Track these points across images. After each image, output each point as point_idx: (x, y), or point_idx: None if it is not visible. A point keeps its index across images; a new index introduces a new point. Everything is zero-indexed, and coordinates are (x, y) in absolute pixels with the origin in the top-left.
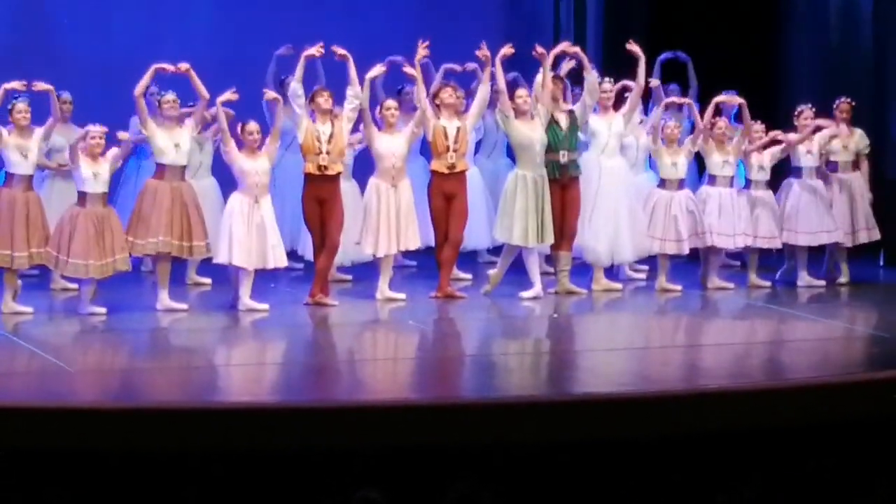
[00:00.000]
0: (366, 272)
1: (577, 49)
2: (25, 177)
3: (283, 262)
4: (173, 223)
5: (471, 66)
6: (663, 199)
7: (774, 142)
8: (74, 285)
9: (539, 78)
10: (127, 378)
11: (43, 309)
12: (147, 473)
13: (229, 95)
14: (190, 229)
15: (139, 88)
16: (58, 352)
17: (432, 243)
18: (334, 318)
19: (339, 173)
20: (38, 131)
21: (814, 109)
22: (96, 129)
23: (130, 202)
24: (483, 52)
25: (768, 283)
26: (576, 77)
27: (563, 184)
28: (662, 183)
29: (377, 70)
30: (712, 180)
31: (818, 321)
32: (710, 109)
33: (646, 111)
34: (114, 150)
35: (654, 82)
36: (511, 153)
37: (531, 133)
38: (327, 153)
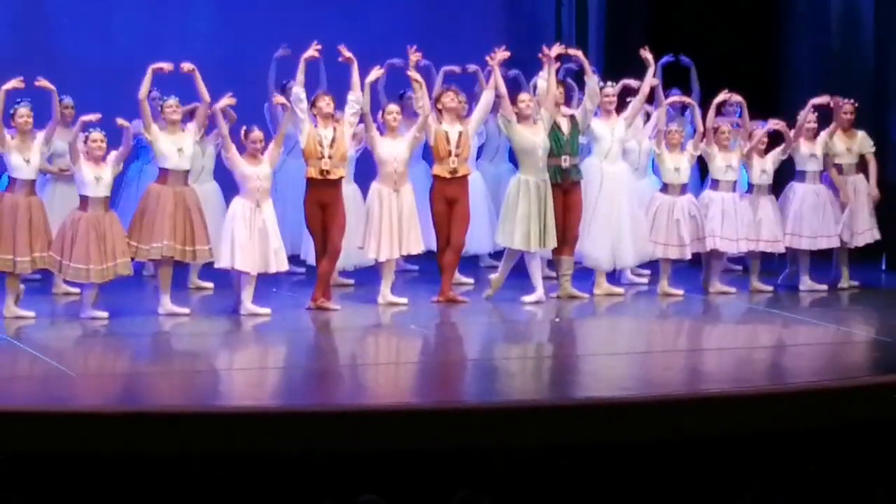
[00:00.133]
0: (367, 276)
1: (578, 52)
2: (28, 181)
3: (284, 266)
4: (176, 227)
5: (472, 67)
6: (665, 203)
7: (776, 133)
8: (76, 290)
9: (542, 82)
10: (129, 382)
11: (45, 313)
12: (149, 477)
13: (227, 101)
14: (193, 233)
15: (142, 92)
16: (60, 356)
17: (434, 247)
18: (336, 322)
19: (341, 178)
20: (40, 135)
21: (816, 114)
22: (97, 133)
23: (132, 206)
24: (494, 58)
25: (770, 288)
26: (575, 80)
27: (564, 188)
28: (665, 188)
29: (375, 73)
30: (715, 185)
31: (820, 325)
32: (711, 111)
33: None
34: (114, 154)
35: (654, 82)
36: (513, 158)
37: (534, 137)
38: (329, 157)
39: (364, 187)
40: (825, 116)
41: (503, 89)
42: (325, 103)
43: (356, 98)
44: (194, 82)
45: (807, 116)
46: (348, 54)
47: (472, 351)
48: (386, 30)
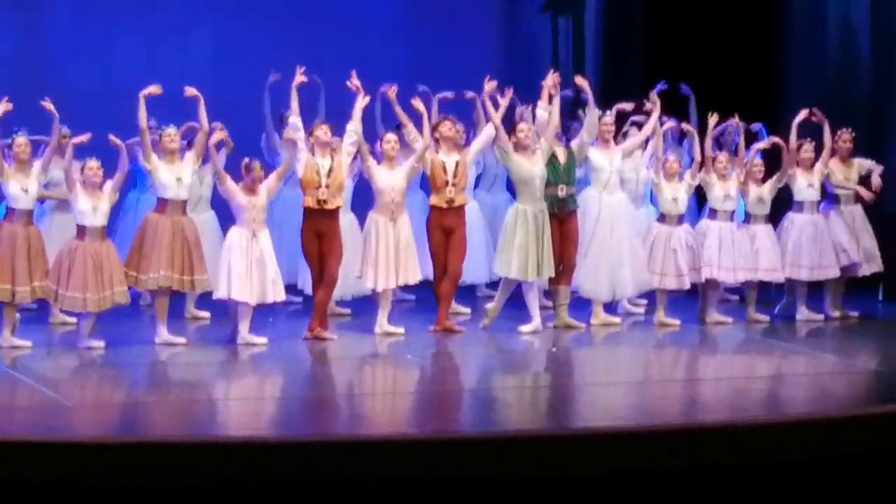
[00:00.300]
0: (364, 306)
1: (585, 83)
2: (26, 211)
3: (282, 295)
4: (174, 257)
5: (469, 94)
6: (662, 233)
7: (775, 147)
8: (73, 319)
9: (542, 113)
10: (125, 412)
11: (41, 343)
12: None
13: (219, 136)
14: (192, 263)
15: (142, 121)
16: (56, 386)
17: (431, 277)
18: (333, 352)
19: (338, 207)
20: (38, 164)
21: (813, 143)
22: (93, 162)
23: (130, 234)
24: (484, 90)
25: (767, 318)
26: (569, 109)
27: (560, 218)
28: (662, 217)
29: (362, 101)
30: (713, 214)
31: (817, 356)
32: (708, 140)
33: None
34: (110, 183)
35: (649, 107)
36: (511, 187)
37: (531, 167)
38: (326, 187)
39: (361, 216)
40: (822, 145)
41: (497, 120)
42: (323, 132)
43: (355, 128)
44: (197, 109)
45: (796, 140)
46: (357, 83)
47: (469, 381)
48: (383, 57)
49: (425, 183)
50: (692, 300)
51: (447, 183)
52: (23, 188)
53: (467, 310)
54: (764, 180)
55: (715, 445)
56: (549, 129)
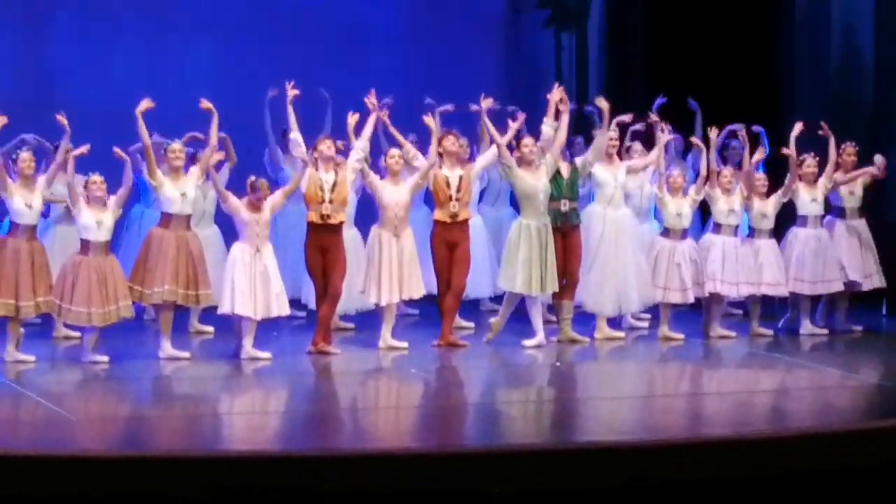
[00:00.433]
0: (368, 320)
1: (604, 104)
2: (30, 226)
3: (286, 310)
4: (178, 272)
5: (474, 107)
6: (666, 248)
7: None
8: (77, 333)
9: (547, 129)
10: (129, 426)
11: (45, 357)
12: None
13: (217, 157)
14: (196, 278)
15: (145, 138)
16: (60, 400)
17: (435, 291)
18: (337, 366)
19: (341, 222)
20: (41, 180)
21: (817, 158)
22: (96, 176)
23: (134, 248)
24: (482, 108)
25: (770, 332)
26: (575, 126)
27: (563, 232)
28: (666, 232)
29: (374, 120)
30: (717, 228)
31: (821, 370)
32: (712, 153)
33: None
34: (114, 198)
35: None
36: (514, 201)
37: (535, 182)
38: (330, 202)
39: (365, 231)
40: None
41: (498, 137)
42: (327, 147)
43: (363, 146)
44: (210, 122)
45: (796, 154)
46: (374, 101)
47: (473, 395)
48: (386, 70)
49: (429, 198)
50: (696, 314)
51: (451, 198)
52: (27, 203)
53: (471, 324)
54: (768, 194)
55: (719, 460)
56: (556, 145)
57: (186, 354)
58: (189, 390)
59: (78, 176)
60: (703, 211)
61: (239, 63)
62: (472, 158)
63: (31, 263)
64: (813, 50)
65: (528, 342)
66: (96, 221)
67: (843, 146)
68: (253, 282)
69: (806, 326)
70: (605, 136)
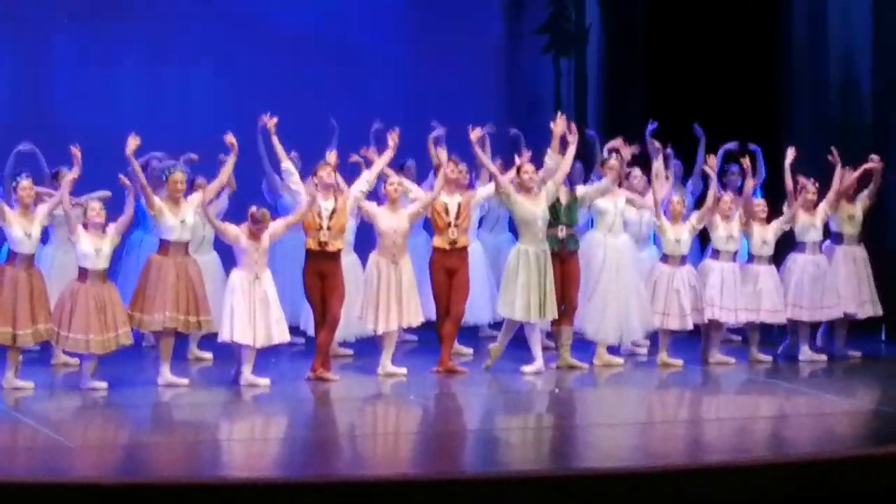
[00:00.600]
0: (367, 347)
1: (626, 150)
2: (28, 255)
3: (286, 336)
4: (178, 298)
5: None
6: (665, 274)
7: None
8: (75, 360)
9: (550, 162)
10: (128, 453)
11: (44, 384)
12: None
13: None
14: (197, 304)
15: (140, 178)
16: (58, 427)
17: (433, 317)
18: (336, 392)
19: (339, 249)
20: (41, 209)
21: (816, 185)
22: (95, 203)
23: (133, 274)
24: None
25: (769, 358)
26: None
27: (561, 258)
28: (665, 258)
29: (388, 157)
30: (716, 254)
31: (820, 396)
32: (713, 182)
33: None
34: (113, 226)
35: (657, 144)
36: (513, 227)
37: (534, 208)
38: (328, 229)
39: (364, 256)
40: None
41: (492, 167)
42: (327, 173)
43: (371, 179)
44: (228, 157)
45: (791, 181)
46: (396, 140)
47: (472, 421)
48: (387, 98)
49: (428, 224)
50: (695, 340)
51: (449, 224)
52: (26, 233)
53: (470, 350)
54: (767, 219)
55: (718, 486)
56: (559, 174)
57: (185, 381)
58: (188, 417)
59: (72, 197)
60: (703, 237)
61: (239, 88)
62: (471, 184)
63: (29, 291)
64: (812, 73)
65: (526, 368)
66: (95, 249)
67: (843, 171)
68: (252, 309)
69: (805, 353)
70: (608, 184)
